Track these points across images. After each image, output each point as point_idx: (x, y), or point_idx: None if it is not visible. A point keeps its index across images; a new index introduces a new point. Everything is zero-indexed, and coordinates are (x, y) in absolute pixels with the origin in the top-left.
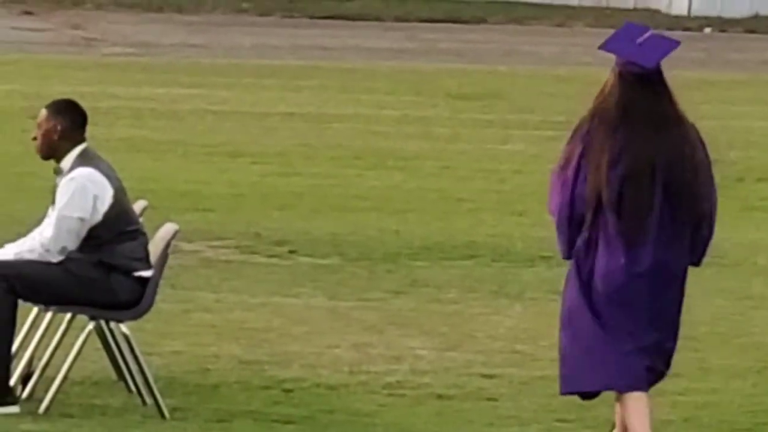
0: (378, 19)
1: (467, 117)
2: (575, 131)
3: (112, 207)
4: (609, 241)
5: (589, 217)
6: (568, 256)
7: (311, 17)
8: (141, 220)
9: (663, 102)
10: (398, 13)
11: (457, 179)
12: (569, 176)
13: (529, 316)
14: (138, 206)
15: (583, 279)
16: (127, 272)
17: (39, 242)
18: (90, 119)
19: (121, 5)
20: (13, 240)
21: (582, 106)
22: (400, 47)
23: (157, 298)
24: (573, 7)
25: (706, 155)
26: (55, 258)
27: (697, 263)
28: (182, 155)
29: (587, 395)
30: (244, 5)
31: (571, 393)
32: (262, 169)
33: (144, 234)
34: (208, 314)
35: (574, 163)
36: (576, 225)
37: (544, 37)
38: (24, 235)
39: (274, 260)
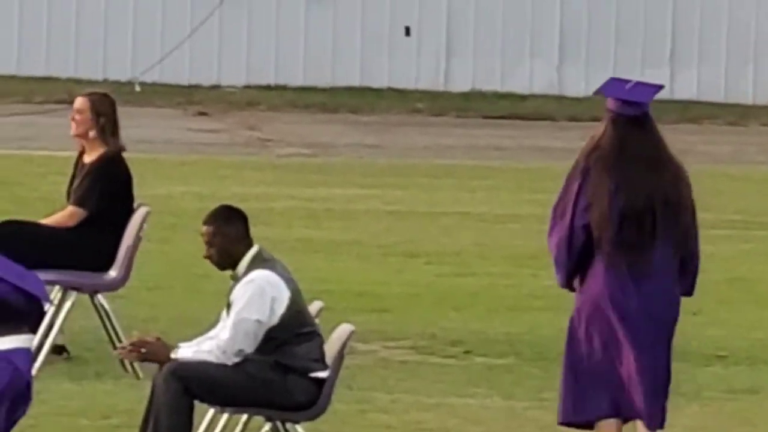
0: (551, 118)
1: None
2: (571, 172)
3: (288, 309)
4: (610, 272)
5: (594, 250)
6: (567, 286)
7: (485, 117)
8: (317, 320)
9: (655, 143)
10: (572, 113)
11: None
12: (568, 211)
13: (706, 416)
14: (314, 307)
15: (588, 308)
16: (304, 373)
17: (216, 344)
18: (265, 220)
19: (295, 106)
20: (188, 341)
21: (756, 205)
22: (574, 146)
23: (333, 398)
24: (747, 106)
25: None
26: (232, 360)
27: (689, 294)
28: (358, 256)
29: (584, 425)
30: (419, 105)
31: (572, 423)
32: (438, 269)
33: (319, 335)
34: (384, 415)
35: (572, 198)
36: (575, 256)
37: (718, 136)
38: (199, 336)
39: (449, 360)
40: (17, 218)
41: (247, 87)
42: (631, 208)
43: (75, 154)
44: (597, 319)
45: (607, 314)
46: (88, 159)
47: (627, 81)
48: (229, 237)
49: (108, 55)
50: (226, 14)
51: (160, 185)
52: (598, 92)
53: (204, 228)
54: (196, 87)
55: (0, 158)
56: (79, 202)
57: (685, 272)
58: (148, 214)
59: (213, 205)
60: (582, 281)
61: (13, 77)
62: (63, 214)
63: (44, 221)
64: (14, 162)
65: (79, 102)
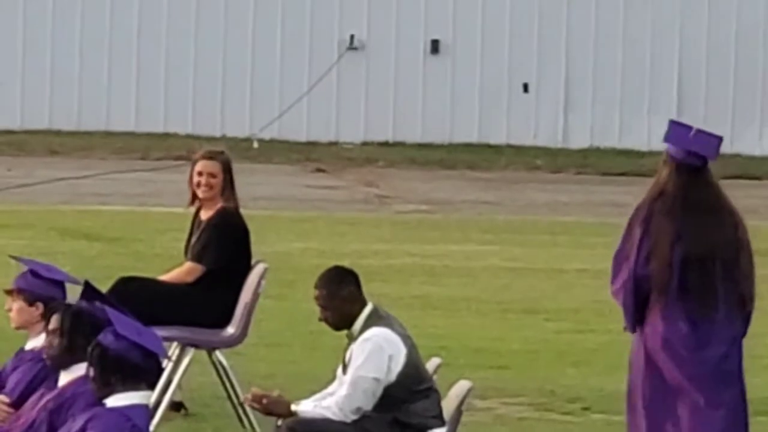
0: None
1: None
2: (633, 218)
3: (405, 366)
4: (673, 317)
5: (654, 294)
6: (634, 330)
7: (604, 174)
8: (435, 377)
9: (715, 191)
10: None
11: (751, 335)
12: (632, 259)
13: None
14: (432, 364)
15: (650, 352)
16: (421, 430)
17: (334, 401)
18: (383, 277)
19: (413, 163)
20: (306, 398)
21: None
22: None
23: None
24: None
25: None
26: (350, 417)
27: (744, 335)
28: (476, 312)
29: None
30: (537, 162)
31: None
32: (557, 326)
33: (437, 391)
34: None
35: (635, 246)
36: (640, 302)
37: None
38: (317, 393)
39: (567, 417)
40: (136, 275)
41: (365, 143)
42: (694, 255)
43: (191, 210)
44: (655, 364)
45: (665, 360)
46: (205, 215)
47: (689, 128)
48: (342, 299)
49: (226, 111)
50: (343, 71)
51: (278, 242)
52: (666, 140)
53: (317, 291)
54: (313, 144)
55: (119, 215)
56: (197, 258)
57: (742, 315)
58: (266, 270)
59: (331, 262)
60: (643, 327)
61: (132, 134)
62: (181, 271)
63: (163, 277)
64: (133, 218)
65: (209, 165)
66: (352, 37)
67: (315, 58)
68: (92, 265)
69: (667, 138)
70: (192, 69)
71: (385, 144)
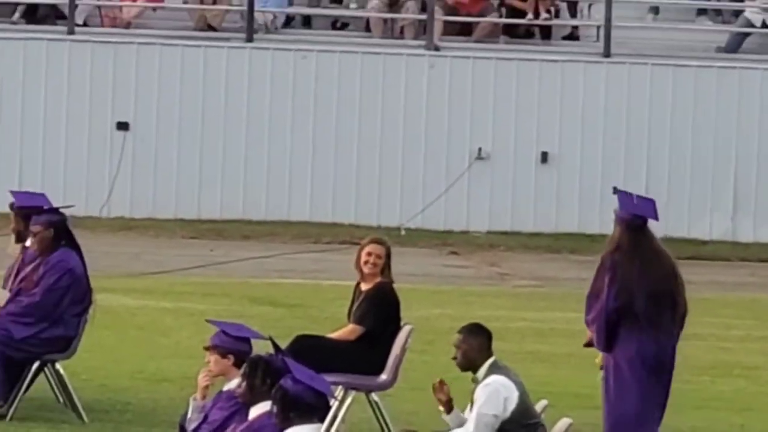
0: (727, 260)
1: None
2: (600, 267)
3: (518, 406)
4: (639, 335)
5: (624, 321)
6: (607, 350)
7: (676, 257)
8: (542, 416)
9: (655, 241)
10: (743, 255)
11: None
12: (603, 297)
13: None
14: (540, 405)
15: (619, 362)
16: None
17: None
18: (503, 336)
19: (527, 248)
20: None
21: None
22: (743, 281)
23: None
24: None
25: None
26: None
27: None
28: (575, 365)
29: None
30: None
31: None
32: None
33: (543, 425)
34: None
35: (606, 287)
36: (611, 328)
37: None
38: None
39: None
40: (311, 333)
41: (490, 232)
42: (650, 290)
43: (354, 283)
44: (631, 372)
45: (639, 368)
46: (365, 287)
47: (633, 196)
48: (473, 346)
49: (381, 205)
50: (473, 175)
51: (421, 308)
52: (631, 211)
53: (456, 335)
54: (449, 232)
55: (298, 287)
56: (359, 321)
57: (680, 328)
58: (411, 330)
59: (461, 324)
60: (613, 345)
61: (307, 222)
62: (346, 330)
63: (331, 335)
64: (308, 290)
65: (376, 248)
66: (479, 149)
67: (452, 163)
68: (276, 326)
69: (619, 205)
70: (355, 170)
71: (505, 233)
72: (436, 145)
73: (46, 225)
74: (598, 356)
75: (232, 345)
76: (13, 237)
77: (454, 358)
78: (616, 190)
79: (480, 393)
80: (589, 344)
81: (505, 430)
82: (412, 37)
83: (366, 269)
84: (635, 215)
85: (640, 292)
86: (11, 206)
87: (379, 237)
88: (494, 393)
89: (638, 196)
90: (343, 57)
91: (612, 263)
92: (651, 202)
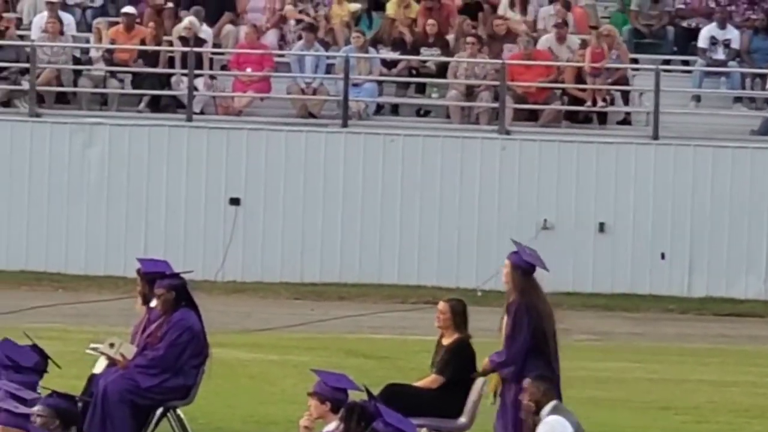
0: (761, 316)
1: None
2: (508, 307)
3: None
4: (546, 365)
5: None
6: (517, 379)
7: (715, 314)
8: None
9: (541, 287)
10: None
11: None
12: (522, 337)
13: None
14: None
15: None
16: None
17: None
18: (565, 384)
19: (586, 306)
20: None
21: None
22: None
23: None
24: None
25: None
26: None
27: None
28: (628, 408)
29: None
30: (670, 306)
31: None
32: (682, 418)
33: None
34: None
35: (524, 327)
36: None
37: None
38: None
39: None
40: (399, 382)
41: (554, 292)
42: (550, 329)
43: (436, 338)
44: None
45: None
46: (445, 342)
47: (526, 249)
48: (538, 388)
49: (460, 269)
50: (540, 243)
51: None
52: (525, 262)
53: (526, 381)
54: None
55: (387, 341)
56: (440, 371)
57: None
58: (486, 380)
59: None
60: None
61: (395, 285)
62: (429, 380)
63: (416, 384)
64: (396, 344)
65: (442, 306)
66: (545, 220)
67: (521, 232)
68: (368, 376)
69: (518, 257)
70: (436, 238)
71: (567, 293)
72: (508, 216)
73: (169, 288)
74: (491, 382)
75: (331, 393)
76: (139, 299)
77: (521, 399)
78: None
79: (540, 430)
80: (484, 372)
81: None
82: (486, 123)
83: (436, 324)
84: (531, 264)
85: (547, 330)
86: (138, 271)
87: (450, 298)
88: (551, 430)
89: (530, 250)
90: (427, 140)
91: (519, 307)
92: (538, 254)
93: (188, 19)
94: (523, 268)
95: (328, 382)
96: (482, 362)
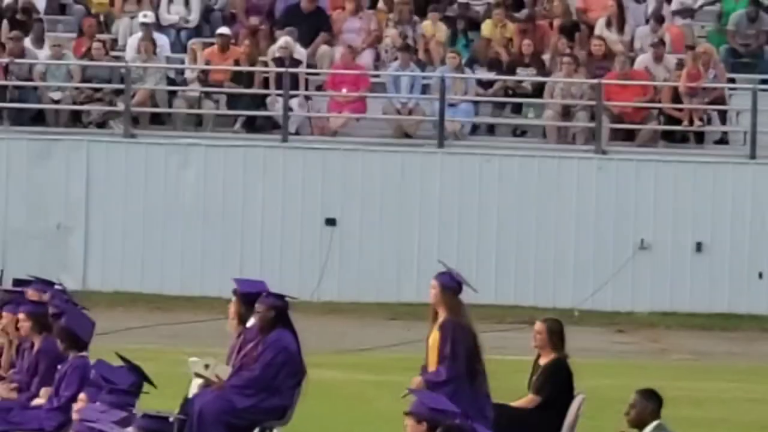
0: None
1: None
2: (442, 326)
3: None
4: (475, 383)
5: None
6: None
7: None
8: None
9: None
10: None
11: None
12: (460, 356)
13: None
14: None
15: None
16: None
17: None
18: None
19: (684, 326)
20: None
21: None
22: None
23: None
24: None
25: None
26: None
27: None
28: (727, 429)
29: None
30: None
31: None
32: None
33: None
34: None
35: (461, 347)
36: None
37: None
38: None
39: None
40: (496, 402)
41: (651, 313)
42: (479, 346)
43: (533, 358)
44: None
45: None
46: (542, 361)
47: (451, 268)
48: (646, 407)
49: (557, 289)
50: (637, 261)
51: (591, 379)
52: (454, 282)
53: (633, 395)
54: (616, 313)
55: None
56: (537, 391)
57: None
58: (583, 399)
59: (629, 395)
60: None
61: (492, 305)
62: (526, 399)
63: (514, 404)
64: (493, 363)
65: (539, 326)
66: (642, 240)
67: (618, 252)
68: None
69: (447, 277)
70: (533, 258)
71: (665, 313)
72: (604, 236)
73: (270, 306)
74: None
75: (428, 413)
76: (234, 319)
77: (627, 414)
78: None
79: None
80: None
81: None
82: (582, 143)
83: (533, 344)
84: (460, 284)
85: (478, 349)
86: (234, 291)
87: (547, 317)
88: None
89: (455, 271)
90: (523, 160)
91: (455, 326)
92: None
93: (284, 39)
94: (453, 288)
95: (426, 402)
96: (414, 381)
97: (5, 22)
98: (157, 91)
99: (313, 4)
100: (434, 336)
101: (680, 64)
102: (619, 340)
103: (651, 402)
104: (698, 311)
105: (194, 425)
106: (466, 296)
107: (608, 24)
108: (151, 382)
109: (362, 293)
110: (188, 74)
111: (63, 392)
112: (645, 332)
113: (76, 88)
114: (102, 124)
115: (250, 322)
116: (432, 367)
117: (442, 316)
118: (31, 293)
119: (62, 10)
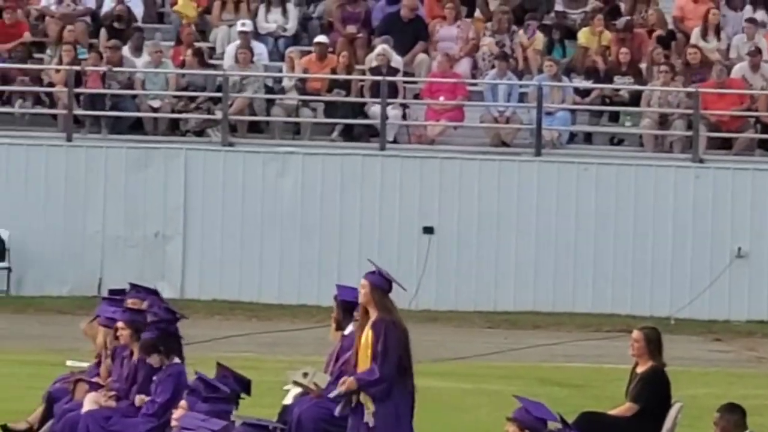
0: None
1: None
2: (374, 325)
3: None
4: (408, 382)
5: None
6: (388, 396)
7: None
8: None
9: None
10: None
11: None
12: (392, 358)
13: None
14: None
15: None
16: None
17: None
18: (760, 412)
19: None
20: None
21: None
22: None
23: None
24: None
25: None
26: None
27: None
28: None
29: None
30: None
31: None
32: None
33: None
34: None
35: (394, 350)
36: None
37: None
38: None
39: None
40: (593, 410)
41: (748, 321)
42: (409, 345)
43: (630, 366)
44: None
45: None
46: (639, 370)
47: (380, 267)
48: (729, 422)
49: (653, 298)
50: (734, 270)
51: (689, 388)
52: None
53: (715, 414)
54: (713, 321)
55: (581, 370)
56: (634, 399)
57: None
58: (681, 407)
59: (725, 402)
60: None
61: (589, 314)
62: (624, 408)
63: (611, 412)
64: (590, 372)
65: (636, 334)
66: (739, 248)
67: (715, 261)
68: (563, 404)
69: (376, 277)
70: (630, 266)
71: (762, 321)
72: (701, 245)
73: None
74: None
75: (531, 421)
76: (333, 326)
77: (715, 424)
78: (371, 262)
79: None
80: (349, 392)
81: None
82: (679, 151)
83: (630, 352)
84: (389, 282)
85: (409, 347)
86: (335, 298)
87: (644, 326)
88: None
89: (384, 270)
90: (620, 169)
91: (388, 325)
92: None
93: (381, 47)
94: (383, 287)
95: (531, 411)
96: (347, 382)
97: (103, 30)
98: (255, 100)
99: (412, 12)
100: (366, 334)
101: None
102: (716, 348)
103: (734, 414)
104: None
105: None
106: (569, 304)
107: (704, 33)
108: (248, 392)
109: (460, 301)
110: (286, 82)
111: (157, 399)
112: (742, 341)
113: (175, 97)
114: (200, 133)
115: (348, 329)
116: (364, 365)
117: (373, 315)
118: (131, 301)
119: (160, 18)
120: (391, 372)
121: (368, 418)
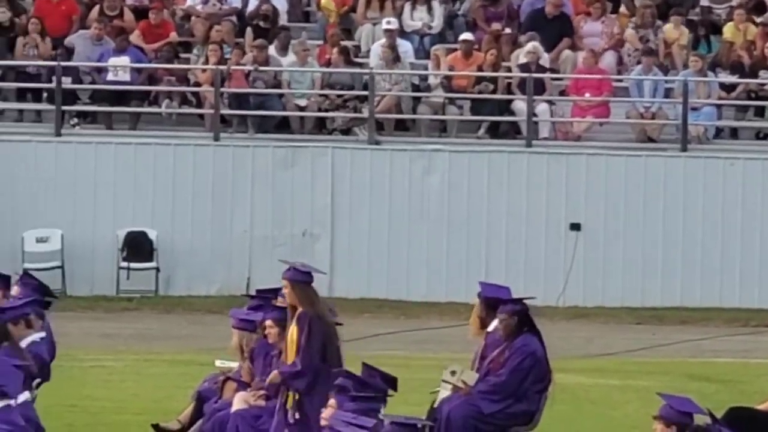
0: None
1: None
2: (298, 318)
3: None
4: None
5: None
6: (312, 389)
7: None
8: None
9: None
10: None
11: None
12: (315, 347)
13: None
14: None
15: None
16: None
17: None
18: None
19: None
20: None
21: None
22: None
23: None
24: None
25: None
26: None
27: None
28: None
29: None
30: None
31: None
32: None
33: None
34: None
35: (314, 336)
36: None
37: None
38: None
39: None
40: (741, 405)
41: None
42: (336, 337)
43: None
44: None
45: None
46: None
47: (294, 265)
48: None
49: None
50: None
51: None
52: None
53: None
54: None
55: (729, 365)
56: None
57: None
58: None
59: None
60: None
61: (737, 308)
62: None
63: (759, 407)
64: (738, 367)
65: None
66: None
67: None
68: (710, 399)
69: (294, 272)
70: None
71: None
72: None
73: (512, 313)
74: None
75: (677, 417)
76: (477, 323)
77: None
78: (283, 261)
79: None
80: (272, 386)
81: None
82: None
83: None
84: (308, 274)
85: (335, 340)
86: (479, 295)
87: None
88: None
89: (299, 263)
90: (766, 163)
91: (312, 318)
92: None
93: (532, 44)
94: (302, 280)
95: (675, 406)
96: (271, 375)
97: (249, 29)
98: (401, 98)
99: (557, 9)
100: (292, 329)
101: None
102: None
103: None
104: None
105: (442, 430)
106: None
107: None
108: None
109: (607, 297)
110: (432, 80)
111: None
112: None
113: (321, 95)
114: (347, 131)
115: (492, 326)
116: (290, 360)
117: (299, 309)
118: (280, 301)
119: (306, 17)
120: (313, 364)
121: (290, 415)
